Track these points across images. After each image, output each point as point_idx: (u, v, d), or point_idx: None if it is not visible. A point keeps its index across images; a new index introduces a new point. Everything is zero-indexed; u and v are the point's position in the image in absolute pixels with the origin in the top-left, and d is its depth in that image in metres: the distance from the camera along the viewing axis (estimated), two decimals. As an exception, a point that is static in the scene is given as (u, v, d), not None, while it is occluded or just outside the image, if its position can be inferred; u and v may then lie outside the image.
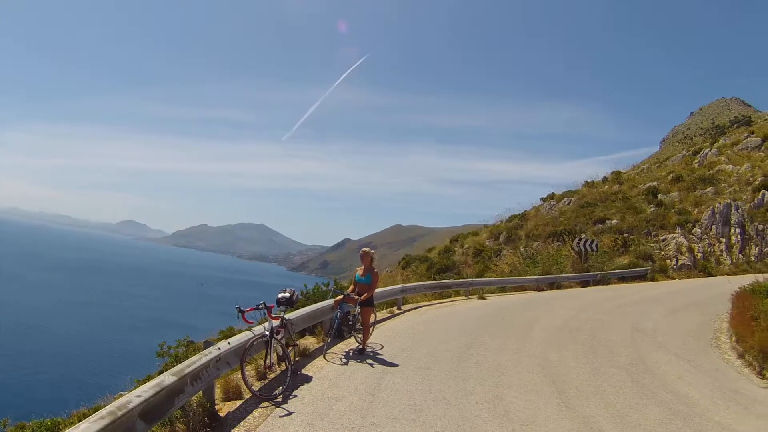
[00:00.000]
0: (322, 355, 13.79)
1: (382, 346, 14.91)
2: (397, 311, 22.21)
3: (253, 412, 9.84)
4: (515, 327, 19.03)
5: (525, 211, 56.09)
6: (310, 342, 15.43)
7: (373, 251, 14.98)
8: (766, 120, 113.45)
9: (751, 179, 53.02)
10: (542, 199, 59.76)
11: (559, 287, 34.88)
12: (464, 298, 28.15)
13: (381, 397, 10.47)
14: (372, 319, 14.97)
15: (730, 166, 59.10)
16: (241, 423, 9.28)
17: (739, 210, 45.54)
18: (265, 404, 10.18)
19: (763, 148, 67.05)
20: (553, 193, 60.11)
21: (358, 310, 14.42)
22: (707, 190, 52.35)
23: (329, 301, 16.16)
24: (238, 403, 10.37)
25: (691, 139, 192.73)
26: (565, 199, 56.53)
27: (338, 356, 13.81)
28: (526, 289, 33.51)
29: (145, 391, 7.45)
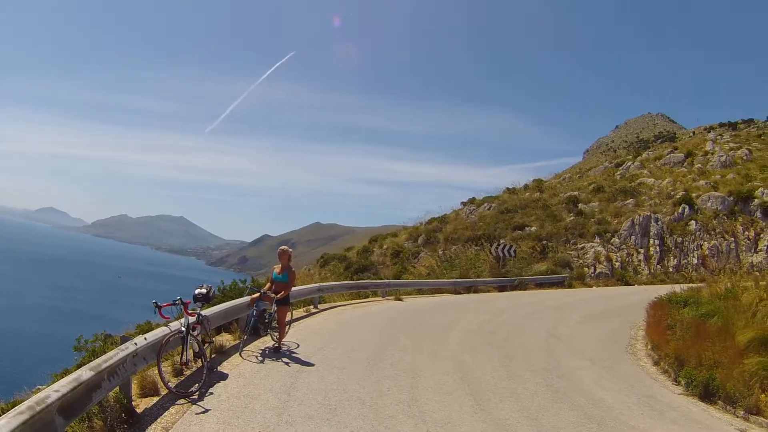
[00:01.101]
0: (238, 353, 13.74)
1: (298, 345, 14.96)
2: (314, 310, 22.26)
3: (170, 408, 9.81)
4: (431, 329, 19.16)
5: (445, 214, 56.47)
6: (226, 339, 15.37)
7: (290, 250, 15.09)
8: (690, 136, 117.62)
9: (672, 193, 55.22)
10: (463, 203, 60.35)
11: (476, 291, 35.32)
12: (381, 299, 28.41)
13: (296, 396, 10.51)
14: (288, 318, 15.08)
15: (652, 179, 61.36)
16: (158, 420, 9.25)
17: (659, 222, 47.52)
18: (182, 401, 10.16)
19: (685, 163, 69.60)
20: (473, 197, 60.82)
21: (274, 308, 14.34)
22: (628, 201, 54.16)
23: (246, 299, 16.07)
24: (155, 399, 10.32)
25: (615, 151, 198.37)
26: (486, 204, 57.23)
27: (254, 354, 13.76)
28: (444, 292, 33.80)
29: (63, 386, 7.40)
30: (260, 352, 13.98)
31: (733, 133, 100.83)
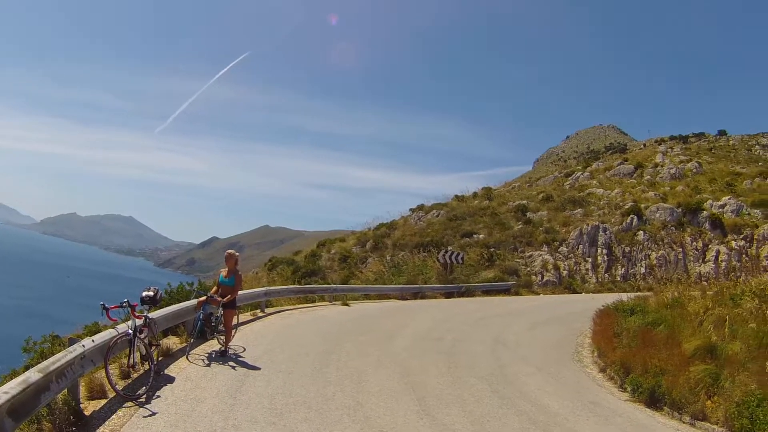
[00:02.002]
0: (185, 356, 13.73)
1: (245, 349, 15.00)
2: (261, 314, 22.28)
3: (118, 411, 9.84)
4: (377, 334, 19.25)
5: (393, 220, 56.62)
6: (173, 342, 15.30)
7: (237, 254, 15.09)
8: (641, 148, 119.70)
9: (620, 204, 56.24)
10: (411, 209, 60.46)
11: (423, 297, 35.37)
12: (328, 303, 28.31)
13: (242, 400, 10.61)
14: (235, 322, 15.24)
15: (601, 190, 62.48)
16: (106, 423, 9.28)
17: (607, 232, 48.41)
18: (129, 404, 10.20)
19: (635, 175, 70.97)
20: (422, 204, 61.00)
21: (221, 311, 14.44)
22: (576, 211, 55.03)
23: (193, 301, 16.00)
24: (103, 402, 10.34)
25: (565, 161, 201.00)
26: (434, 211, 57.48)
27: (201, 357, 13.74)
28: (390, 298, 33.91)
29: (12, 387, 7.47)
30: (207, 355, 13.95)
31: (684, 146, 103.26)
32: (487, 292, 38.84)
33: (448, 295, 36.93)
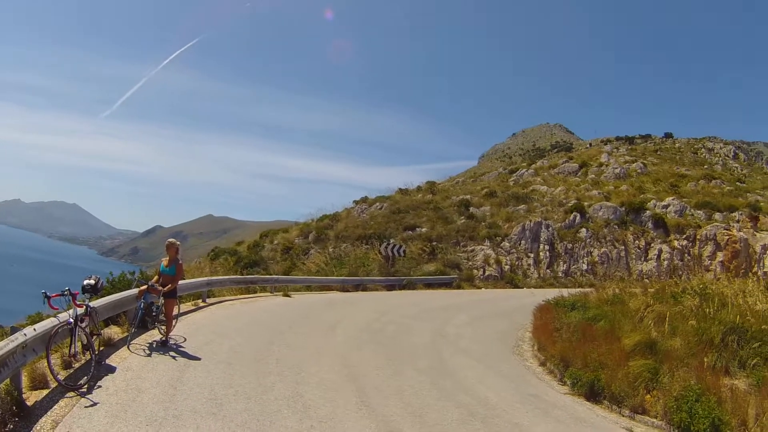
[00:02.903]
0: (126, 346, 13.52)
1: (185, 339, 14.85)
2: (202, 304, 22.09)
3: (60, 401, 9.68)
4: (318, 326, 19.23)
5: (337, 212, 56.62)
6: (114, 331, 15.06)
7: (178, 243, 14.99)
8: (587, 148, 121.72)
9: (564, 201, 57.53)
10: (355, 201, 60.39)
11: (365, 289, 35.51)
12: (270, 294, 28.08)
13: (183, 390, 10.55)
14: (176, 311, 15.24)
15: (545, 187, 63.82)
16: (48, 413, 9.16)
17: (550, 229, 49.32)
18: (71, 394, 10.03)
19: (580, 173, 72.36)
20: (366, 196, 61.04)
21: (161, 301, 14.34)
22: (520, 207, 55.89)
23: (134, 290, 15.79)
24: (45, 392, 10.19)
25: (511, 158, 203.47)
26: (378, 203, 57.54)
27: (142, 347, 13.56)
28: (332, 290, 33.97)
29: None
30: (148, 345, 13.79)
31: (630, 147, 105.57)
32: (429, 286, 39.11)
33: (390, 287, 37.14)
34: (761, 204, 58.38)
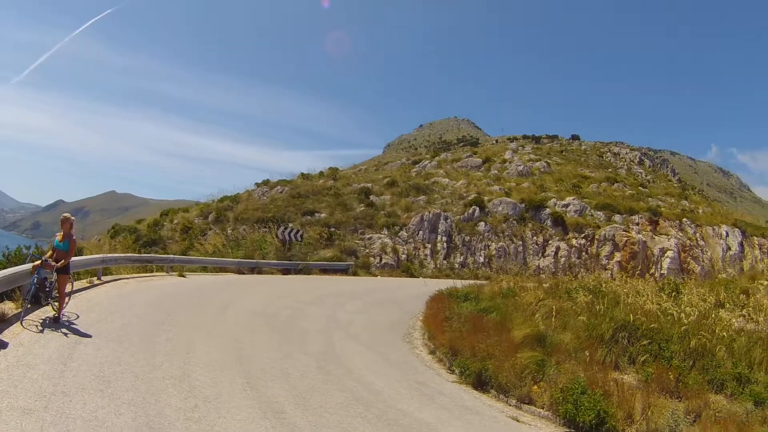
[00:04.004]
0: (19, 322, 13.33)
1: (78, 316, 14.71)
2: (98, 282, 21.97)
3: None
4: (211, 307, 19.24)
5: (238, 193, 56.82)
6: (8, 307, 14.77)
7: (72, 218, 14.78)
8: (493, 144, 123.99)
9: (465, 194, 58.80)
10: (257, 184, 60.70)
11: (260, 273, 35.78)
12: (165, 274, 28.54)
13: (72, 367, 10.52)
14: (69, 288, 15.13)
15: (447, 179, 64.97)
16: None
17: (449, 221, 50.31)
18: None
19: (482, 168, 73.64)
20: (268, 179, 61.51)
21: (55, 276, 14.07)
22: (420, 198, 56.96)
23: (28, 265, 15.44)
24: None
25: (416, 149, 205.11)
26: (279, 187, 57.77)
27: (35, 323, 13.39)
28: (228, 272, 34.26)
29: None
30: (41, 321, 13.58)
31: (536, 146, 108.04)
32: (325, 271, 39.45)
33: (286, 271, 37.44)
34: (662, 209, 60.74)
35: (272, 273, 36.61)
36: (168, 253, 34.74)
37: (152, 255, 31.54)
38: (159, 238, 44.18)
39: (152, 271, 28.68)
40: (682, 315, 17.08)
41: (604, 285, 23.04)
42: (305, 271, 38.00)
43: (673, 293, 21.98)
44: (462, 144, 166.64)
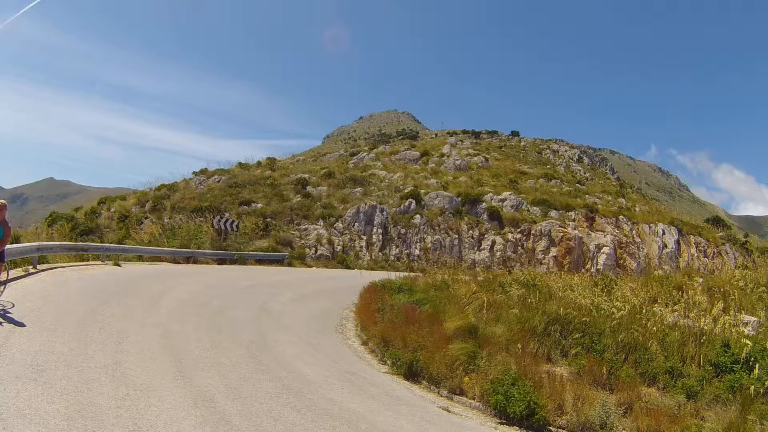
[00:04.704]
0: None
1: (13, 305, 14.63)
2: (33, 270, 21.95)
3: None
4: (145, 296, 19.14)
5: (175, 182, 56.72)
6: None
7: (5, 203, 14.65)
8: (432, 138, 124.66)
9: (401, 187, 59.40)
10: (194, 173, 60.50)
11: (196, 262, 35.77)
12: (101, 263, 28.26)
13: (6, 356, 10.53)
14: (4, 277, 15.38)
15: (384, 172, 65.49)
16: None
17: (384, 213, 50.82)
18: None
19: (420, 162, 74.08)
20: (205, 168, 61.64)
21: None
22: (356, 189, 57.29)
23: None
24: None
25: (356, 141, 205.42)
26: (217, 176, 57.70)
27: None
28: (164, 261, 34.20)
29: None
30: None
31: (475, 141, 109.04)
32: (260, 262, 39.54)
33: (221, 261, 37.47)
34: (599, 206, 62.09)
35: (207, 263, 36.57)
36: (105, 242, 34.72)
37: (88, 243, 31.46)
38: (96, 226, 43.94)
39: (88, 260, 28.58)
40: (614, 309, 17.39)
41: (537, 279, 23.40)
42: (240, 261, 38.07)
43: (606, 288, 22.36)
44: (401, 137, 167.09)
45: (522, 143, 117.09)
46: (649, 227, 58.53)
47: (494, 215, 54.37)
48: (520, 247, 51.94)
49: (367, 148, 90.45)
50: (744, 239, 68.02)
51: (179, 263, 34.38)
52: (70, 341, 12.00)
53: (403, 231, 49.83)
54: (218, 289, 23.23)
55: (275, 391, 10.79)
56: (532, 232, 52.79)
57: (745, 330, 17.05)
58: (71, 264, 26.24)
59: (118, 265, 28.11)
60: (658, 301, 20.82)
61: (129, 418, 8.39)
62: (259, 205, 49.97)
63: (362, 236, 47.84)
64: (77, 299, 17.00)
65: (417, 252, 48.59)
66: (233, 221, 42.71)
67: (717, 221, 72.64)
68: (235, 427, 8.74)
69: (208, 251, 38.08)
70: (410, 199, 53.83)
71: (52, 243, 26.36)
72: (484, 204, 56.04)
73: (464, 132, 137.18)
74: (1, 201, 14.46)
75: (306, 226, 47.08)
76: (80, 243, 31.05)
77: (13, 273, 18.16)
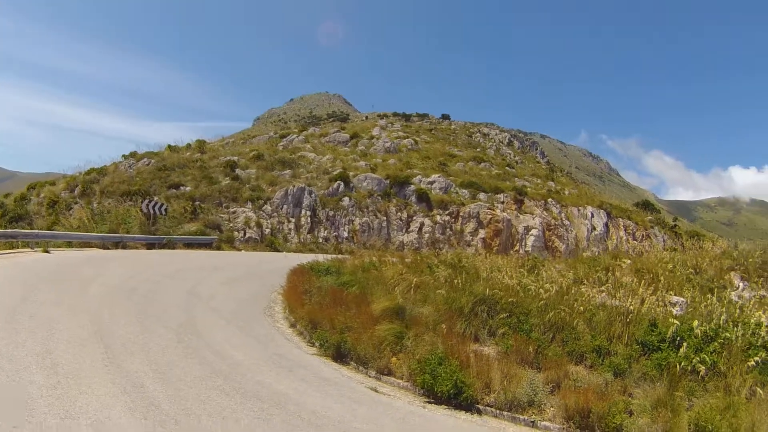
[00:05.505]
0: None
1: None
2: None
3: None
4: (74, 283, 18.95)
5: (105, 165, 55.36)
6: None
7: None
8: (362, 120, 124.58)
9: (330, 169, 59.44)
10: (124, 156, 59.35)
11: (125, 247, 35.34)
12: (30, 250, 28.09)
13: None
14: None
15: (313, 154, 65.58)
16: None
17: (313, 195, 50.88)
18: None
19: (350, 144, 74.25)
20: (135, 151, 60.38)
21: None
22: (285, 172, 57.16)
23: None
24: None
25: (286, 123, 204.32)
26: (146, 159, 56.74)
27: None
28: (93, 246, 33.67)
29: None
30: None
31: (405, 124, 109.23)
32: (189, 246, 39.32)
33: (150, 246, 37.21)
34: (527, 189, 63.26)
35: (137, 247, 36.15)
36: (34, 228, 34.47)
37: (16, 230, 31.50)
38: (26, 212, 43.29)
39: (18, 248, 28.57)
40: (541, 290, 17.71)
41: (465, 260, 23.74)
42: (169, 245, 37.82)
43: (534, 270, 22.76)
44: (332, 119, 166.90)
45: (452, 126, 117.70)
46: (578, 210, 59.83)
47: (423, 197, 54.95)
48: (448, 229, 52.69)
49: (297, 130, 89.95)
50: (673, 223, 70.04)
51: (108, 248, 34.00)
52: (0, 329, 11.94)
53: (331, 213, 49.99)
54: (147, 273, 23.03)
55: (204, 375, 10.87)
56: (461, 214, 53.54)
57: (673, 310, 17.59)
58: (0, 252, 26.04)
59: (48, 252, 27.94)
60: (586, 282, 21.29)
61: (60, 407, 8.40)
62: (188, 188, 49.40)
63: (291, 219, 47.82)
64: (6, 287, 16.89)
65: (345, 234, 48.89)
66: (162, 205, 42.24)
67: (646, 205, 74.68)
68: (165, 411, 8.79)
69: (137, 236, 37.67)
70: (339, 182, 53.97)
71: (-21, 231, 25.84)
72: (412, 186, 56.63)
73: (395, 115, 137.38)
74: None
75: (234, 209, 46.87)
76: (9, 230, 30.90)
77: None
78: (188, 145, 65.06)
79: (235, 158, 58.95)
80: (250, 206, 47.77)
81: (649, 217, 64.02)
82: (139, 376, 10.29)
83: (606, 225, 58.51)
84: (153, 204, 41.50)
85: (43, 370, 9.88)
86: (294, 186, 50.55)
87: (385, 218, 51.54)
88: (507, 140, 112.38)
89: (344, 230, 49.17)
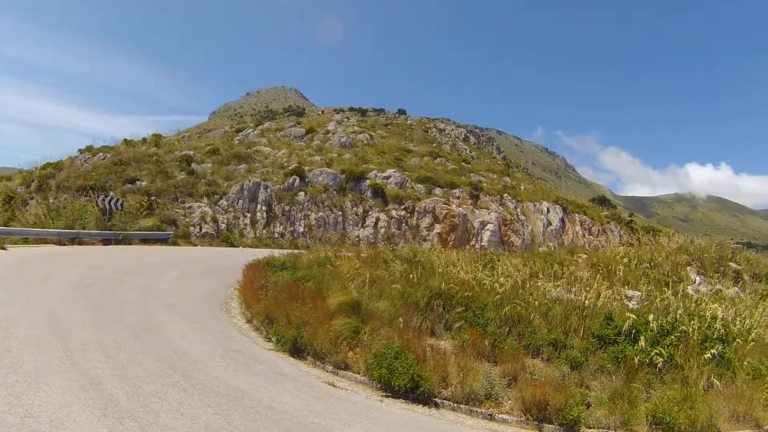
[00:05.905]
0: None
1: None
2: None
3: None
4: (30, 280, 18.74)
5: (61, 160, 54.92)
6: None
7: None
8: (319, 115, 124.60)
9: (286, 164, 59.49)
10: (80, 150, 58.67)
11: (81, 243, 34.93)
12: None
13: None
14: None
15: (269, 149, 65.56)
16: None
17: (269, 190, 50.97)
18: None
19: (305, 138, 74.35)
20: (90, 145, 59.69)
21: None
22: (240, 166, 57.21)
23: None
24: None
25: (242, 117, 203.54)
26: (102, 153, 56.19)
27: None
28: (49, 243, 33.27)
29: None
30: None
31: (361, 119, 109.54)
32: (145, 241, 39.13)
33: (106, 242, 36.84)
34: (483, 184, 63.56)
35: (93, 243, 35.75)
36: None
37: None
38: (-18, 209, 42.28)
39: None
40: (497, 285, 17.86)
41: (420, 255, 23.86)
42: (126, 241, 37.51)
43: (489, 264, 22.94)
44: (288, 114, 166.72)
45: (408, 121, 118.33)
46: (534, 205, 60.39)
47: (378, 192, 55.21)
48: (404, 224, 52.98)
49: (252, 124, 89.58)
50: (629, 218, 71.04)
51: (65, 245, 33.65)
52: (-46, 330, 11.91)
53: (287, 208, 50.10)
54: (104, 270, 22.81)
55: (162, 371, 10.86)
56: (417, 209, 53.83)
57: (629, 304, 17.90)
58: (-44, 249, 25.34)
59: (4, 249, 27.60)
60: (541, 276, 21.53)
61: (20, 405, 8.35)
62: (144, 183, 49.08)
63: (246, 214, 47.85)
64: (-39, 285, 16.54)
65: (301, 229, 49.01)
66: (118, 200, 41.96)
67: (603, 201, 75.84)
68: (123, 408, 8.78)
69: (93, 231, 37.34)
70: (294, 176, 54.01)
71: (-68, 228, 25.51)
72: (368, 181, 56.82)
73: (351, 109, 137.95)
74: None
75: (190, 204, 46.68)
76: (-37, 228, 29.74)
77: None
78: (144, 140, 64.56)
79: (191, 153, 58.65)
80: (206, 201, 47.63)
81: (606, 213, 65.01)
82: (98, 373, 10.25)
83: (562, 220, 59.26)
84: (109, 199, 41.18)
85: (1, 369, 9.81)
86: (249, 181, 50.55)
87: (340, 213, 51.70)
88: (463, 136, 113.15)
89: (300, 225, 49.22)
